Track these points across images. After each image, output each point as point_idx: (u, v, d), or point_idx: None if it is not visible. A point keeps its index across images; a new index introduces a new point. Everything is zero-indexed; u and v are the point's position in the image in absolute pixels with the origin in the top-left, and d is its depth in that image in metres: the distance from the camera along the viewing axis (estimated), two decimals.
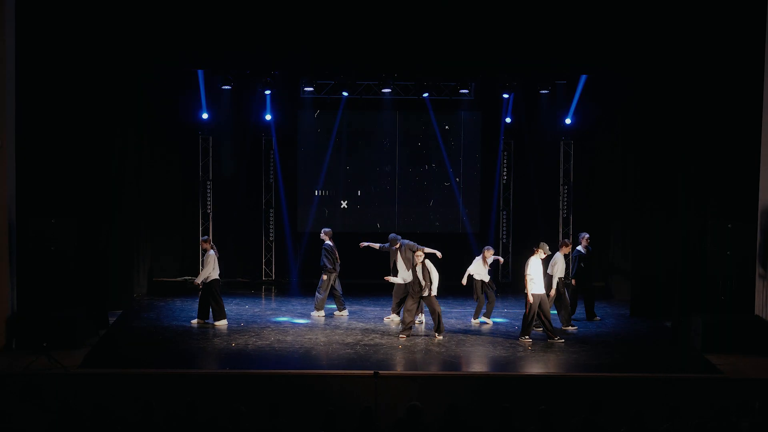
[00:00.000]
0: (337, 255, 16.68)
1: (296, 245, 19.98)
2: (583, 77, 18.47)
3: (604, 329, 16.10)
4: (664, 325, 16.14)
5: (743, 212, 15.23)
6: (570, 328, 15.75)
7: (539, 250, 15.10)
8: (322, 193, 19.92)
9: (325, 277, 16.58)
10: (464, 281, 16.24)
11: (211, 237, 19.63)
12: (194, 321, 16.04)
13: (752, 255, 14.94)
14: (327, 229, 16.88)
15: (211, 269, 15.77)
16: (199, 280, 15.77)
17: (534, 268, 14.92)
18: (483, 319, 16.22)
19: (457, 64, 16.59)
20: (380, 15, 15.62)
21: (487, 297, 16.29)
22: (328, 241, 16.67)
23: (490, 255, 16.24)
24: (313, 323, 16.24)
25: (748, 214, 15.13)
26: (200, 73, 18.61)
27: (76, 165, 15.42)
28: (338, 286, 16.77)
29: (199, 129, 19.64)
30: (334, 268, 16.60)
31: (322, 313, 16.69)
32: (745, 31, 15.15)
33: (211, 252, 15.83)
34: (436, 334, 15.08)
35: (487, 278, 16.20)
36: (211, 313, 15.93)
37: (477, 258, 16.34)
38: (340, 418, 9.89)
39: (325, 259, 16.59)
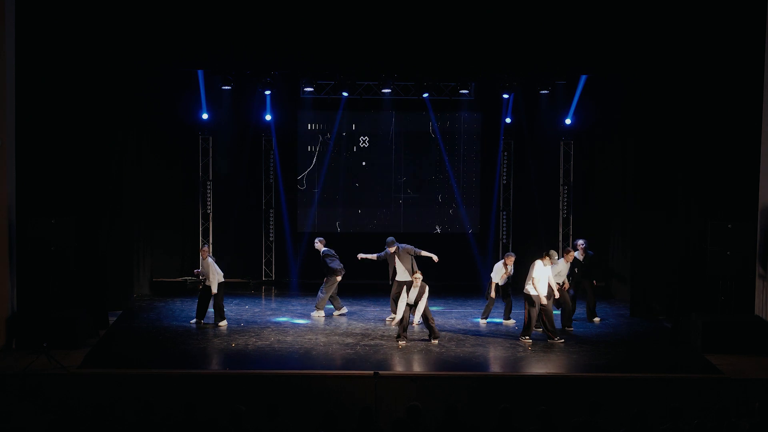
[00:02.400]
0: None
1: (296, 245, 19.97)
2: (583, 77, 18.45)
3: (604, 329, 16.10)
4: (664, 325, 16.14)
5: (743, 212, 15.23)
6: (570, 328, 15.76)
7: (547, 257, 15.15)
8: (321, 193, 19.89)
9: (339, 278, 16.63)
10: (493, 294, 16.24)
11: (211, 240, 19.67)
12: (193, 321, 16.05)
13: (752, 255, 14.94)
14: (321, 238, 17.03)
15: (215, 274, 15.81)
16: (215, 289, 15.78)
17: (538, 272, 14.93)
18: (500, 320, 16.36)
19: (457, 64, 16.57)
20: (380, 15, 15.61)
21: (503, 299, 16.32)
22: (324, 247, 16.73)
23: (510, 262, 16.22)
24: (313, 323, 16.24)
25: (748, 214, 15.14)
26: (200, 73, 18.59)
27: (76, 165, 15.43)
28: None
29: (199, 129, 19.63)
30: (342, 269, 16.65)
31: (322, 313, 16.70)
32: (745, 32, 15.15)
33: (209, 259, 15.88)
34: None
35: (502, 282, 16.22)
36: (205, 314, 15.99)
37: (498, 264, 16.32)
38: (340, 418, 9.90)
39: (334, 263, 16.62)
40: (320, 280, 16.95)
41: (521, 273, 16.04)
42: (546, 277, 15.03)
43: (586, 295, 16.70)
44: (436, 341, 14.93)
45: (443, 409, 10.09)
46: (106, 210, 16.04)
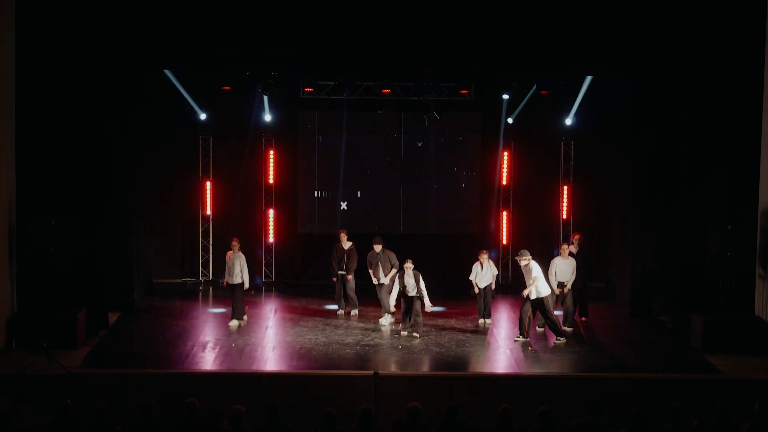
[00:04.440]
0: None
1: (296, 246, 19.95)
2: (588, 79, 18.38)
3: (604, 329, 16.09)
4: (664, 325, 16.13)
5: (743, 213, 15.23)
6: (570, 328, 15.76)
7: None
8: (322, 194, 19.89)
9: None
10: (475, 291, 16.31)
11: (210, 241, 19.69)
12: (236, 323, 15.99)
13: (752, 255, 14.95)
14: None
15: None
16: (247, 283, 16.16)
17: (537, 271, 14.97)
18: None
19: (457, 64, 16.59)
20: (380, 15, 15.60)
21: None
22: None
23: (481, 257, 16.27)
24: (313, 323, 16.22)
25: (748, 215, 15.14)
26: (200, 73, 18.57)
27: (76, 165, 15.44)
28: (339, 287, 16.90)
29: (199, 129, 19.62)
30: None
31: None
32: (745, 31, 15.16)
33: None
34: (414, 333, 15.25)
35: (482, 282, 16.23)
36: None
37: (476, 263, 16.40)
38: (340, 419, 9.89)
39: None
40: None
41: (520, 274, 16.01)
42: (542, 273, 15.12)
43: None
44: (419, 338, 14.97)
45: (443, 409, 10.09)
46: (106, 210, 16.04)
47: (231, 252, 16.18)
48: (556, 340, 14.95)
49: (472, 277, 16.23)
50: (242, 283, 16.08)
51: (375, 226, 19.82)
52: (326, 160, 19.78)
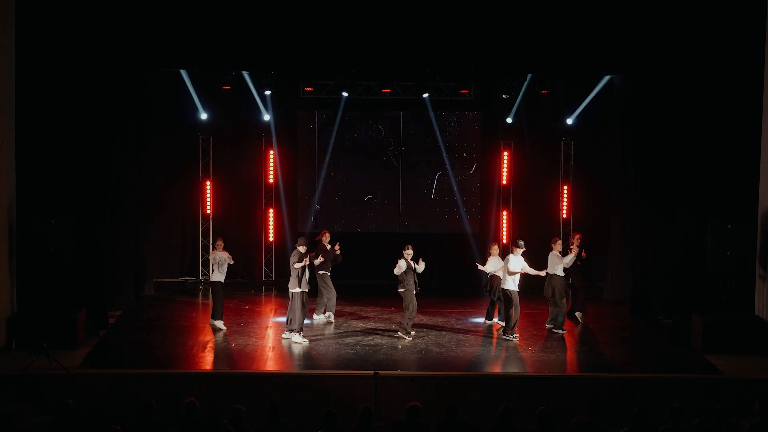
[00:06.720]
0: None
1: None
2: (605, 78, 18.35)
3: (604, 329, 16.09)
4: (664, 325, 16.13)
5: (743, 213, 15.24)
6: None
7: (515, 248, 15.29)
8: (321, 193, 19.88)
9: None
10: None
11: (210, 240, 19.66)
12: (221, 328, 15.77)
13: (752, 255, 14.95)
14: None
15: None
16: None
17: (513, 265, 15.05)
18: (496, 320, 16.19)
19: (457, 64, 16.60)
20: (380, 15, 15.61)
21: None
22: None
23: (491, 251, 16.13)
24: (312, 323, 16.21)
25: (748, 215, 15.14)
26: (200, 73, 18.59)
27: (76, 165, 15.45)
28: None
29: (198, 129, 19.62)
30: None
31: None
32: (745, 32, 15.18)
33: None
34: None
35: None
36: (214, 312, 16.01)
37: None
38: (340, 418, 9.90)
39: None
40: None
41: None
42: (519, 268, 15.17)
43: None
44: (409, 338, 14.97)
45: (443, 409, 10.10)
46: (106, 210, 16.06)
47: (216, 251, 16.02)
48: (498, 321, 15.55)
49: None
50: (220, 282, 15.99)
51: (374, 225, 19.85)
52: (326, 159, 19.76)
